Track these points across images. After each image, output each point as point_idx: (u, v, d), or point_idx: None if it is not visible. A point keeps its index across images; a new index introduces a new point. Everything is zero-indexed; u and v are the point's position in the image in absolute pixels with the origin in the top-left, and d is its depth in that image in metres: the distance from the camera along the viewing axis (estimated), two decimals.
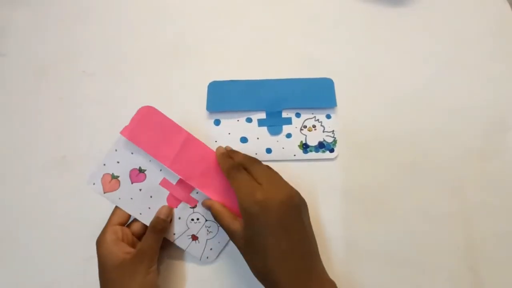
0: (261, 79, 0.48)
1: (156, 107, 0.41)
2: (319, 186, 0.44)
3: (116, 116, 0.48)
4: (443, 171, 0.45)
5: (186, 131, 0.40)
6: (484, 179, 0.44)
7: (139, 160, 0.40)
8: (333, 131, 0.46)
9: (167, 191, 0.40)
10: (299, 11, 0.55)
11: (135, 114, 0.40)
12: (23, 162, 0.46)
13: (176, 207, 0.40)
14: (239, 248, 0.35)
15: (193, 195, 0.40)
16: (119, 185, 0.39)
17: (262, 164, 0.39)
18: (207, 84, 0.48)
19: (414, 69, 0.50)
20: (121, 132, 0.39)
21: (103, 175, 0.40)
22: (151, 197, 0.40)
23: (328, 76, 0.49)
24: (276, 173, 0.38)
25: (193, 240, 0.40)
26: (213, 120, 0.47)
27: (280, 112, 0.47)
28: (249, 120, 0.47)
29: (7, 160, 0.46)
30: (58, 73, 0.51)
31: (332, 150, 0.45)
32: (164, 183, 0.40)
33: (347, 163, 0.45)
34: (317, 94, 0.48)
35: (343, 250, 0.42)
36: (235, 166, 0.38)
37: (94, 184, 0.39)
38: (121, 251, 0.36)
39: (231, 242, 0.40)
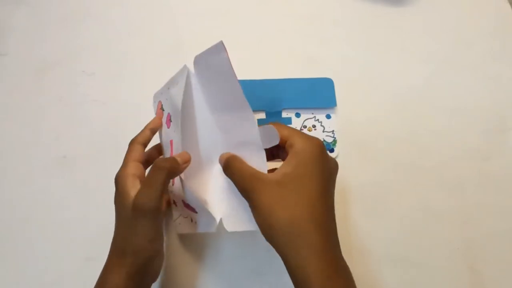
0: (261, 79, 0.48)
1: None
2: None
3: (116, 116, 0.48)
4: (442, 171, 0.45)
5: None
6: (484, 179, 0.44)
7: (173, 110, 0.38)
8: (333, 131, 0.46)
9: (169, 151, 0.38)
10: (299, 11, 0.55)
11: None
12: (23, 162, 0.46)
13: None
14: (262, 194, 0.29)
15: (177, 180, 0.38)
16: (162, 117, 0.40)
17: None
18: None
19: (414, 69, 0.50)
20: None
21: (159, 100, 0.41)
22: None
23: (328, 76, 0.49)
24: None
25: (174, 204, 0.40)
26: None
27: (280, 112, 0.47)
28: None
29: (7, 160, 0.46)
30: (58, 73, 0.51)
31: (332, 150, 0.45)
32: (172, 144, 0.38)
33: (347, 163, 0.45)
34: (317, 94, 0.48)
35: (342, 250, 0.41)
36: None
37: (154, 102, 0.41)
38: (135, 188, 0.33)
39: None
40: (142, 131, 0.38)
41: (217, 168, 0.38)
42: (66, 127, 0.48)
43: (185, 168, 0.34)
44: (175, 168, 0.33)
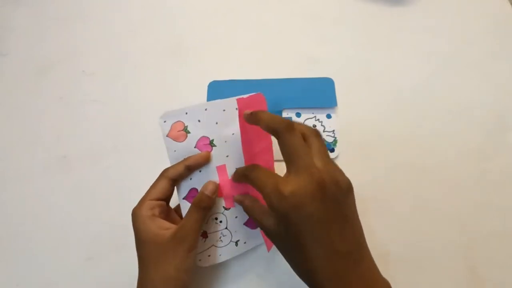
0: (261, 79, 0.48)
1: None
2: None
3: (116, 116, 0.48)
4: (443, 171, 0.45)
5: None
6: (484, 179, 0.44)
7: (218, 133, 0.36)
8: (333, 130, 0.46)
9: (217, 179, 0.37)
10: (299, 10, 0.55)
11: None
12: (24, 162, 0.46)
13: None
14: (275, 245, 0.31)
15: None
16: (184, 140, 0.36)
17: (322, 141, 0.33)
18: (207, 83, 0.49)
19: (414, 69, 0.50)
20: (238, 100, 0.37)
21: (178, 121, 0.36)
22: (200, 171, 0.36)
23: (328, 76, 0.49)
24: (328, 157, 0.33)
25: (201, 236, 0.37)
26: None
27: (280, 112, 0.47)
28: None
29: (8, 160, 0.46)
30: (58, 73, 0.51)
31: (332, 150, 0.45)
32: (221, 169, 0.36)
33: (347, 163, 0.45)
34: (318, 94, 0.48)
35: None
36: (292, 127, 0.30)
37: (165, 121, 0.35)
38: (157, 226, 0.33)
39: (227, 261, 0.39)
40: (177, 165, 0.35)
41: None
42: (66, 127, 0.48)
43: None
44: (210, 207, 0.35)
